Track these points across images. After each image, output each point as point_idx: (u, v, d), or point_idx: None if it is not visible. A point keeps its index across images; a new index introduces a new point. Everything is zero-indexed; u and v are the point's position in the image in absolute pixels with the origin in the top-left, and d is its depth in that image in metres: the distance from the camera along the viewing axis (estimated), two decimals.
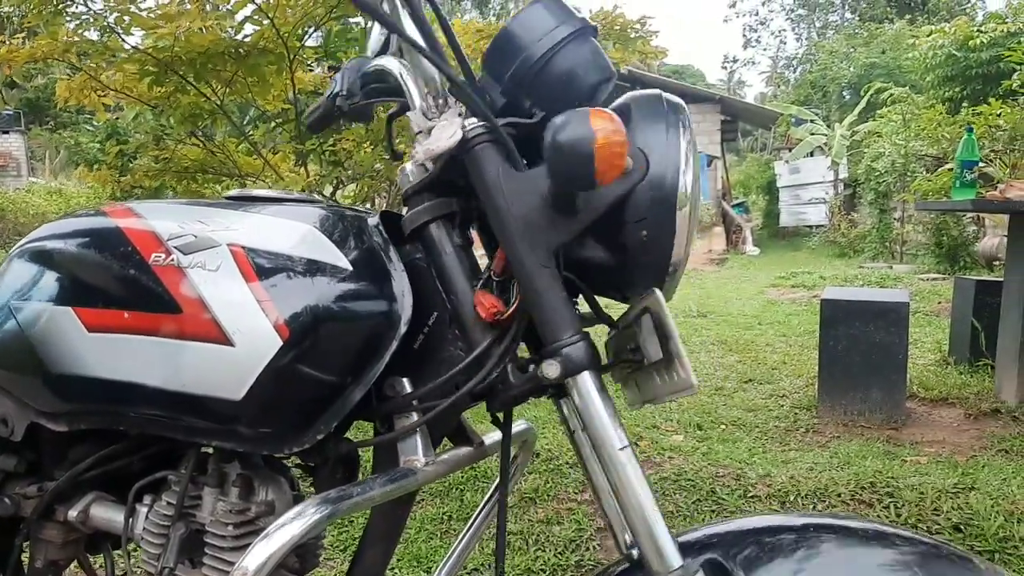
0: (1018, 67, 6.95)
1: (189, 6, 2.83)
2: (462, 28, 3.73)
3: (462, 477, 2.59)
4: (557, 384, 0.78)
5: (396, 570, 2.05)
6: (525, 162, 0.80)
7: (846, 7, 36.48)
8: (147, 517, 0.92)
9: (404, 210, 0.87)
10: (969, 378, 3.81)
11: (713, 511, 2.38)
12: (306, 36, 3.27)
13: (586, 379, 0.76)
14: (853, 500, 2.39)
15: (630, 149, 0.74)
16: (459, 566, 1.14)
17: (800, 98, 21.58)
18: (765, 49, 53.88)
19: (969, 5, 25.48)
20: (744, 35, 45.36)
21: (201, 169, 3.72)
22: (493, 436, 1.02)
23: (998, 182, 4.29)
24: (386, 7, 0.85)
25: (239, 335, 0.77)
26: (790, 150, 15.53)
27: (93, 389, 0.87)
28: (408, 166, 0.86)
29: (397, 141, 1.12)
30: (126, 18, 2.94)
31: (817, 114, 16.37)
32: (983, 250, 8.19)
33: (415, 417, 0.83)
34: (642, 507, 0.75)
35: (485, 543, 2.15)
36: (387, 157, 3.13)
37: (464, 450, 0.97)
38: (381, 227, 0.88)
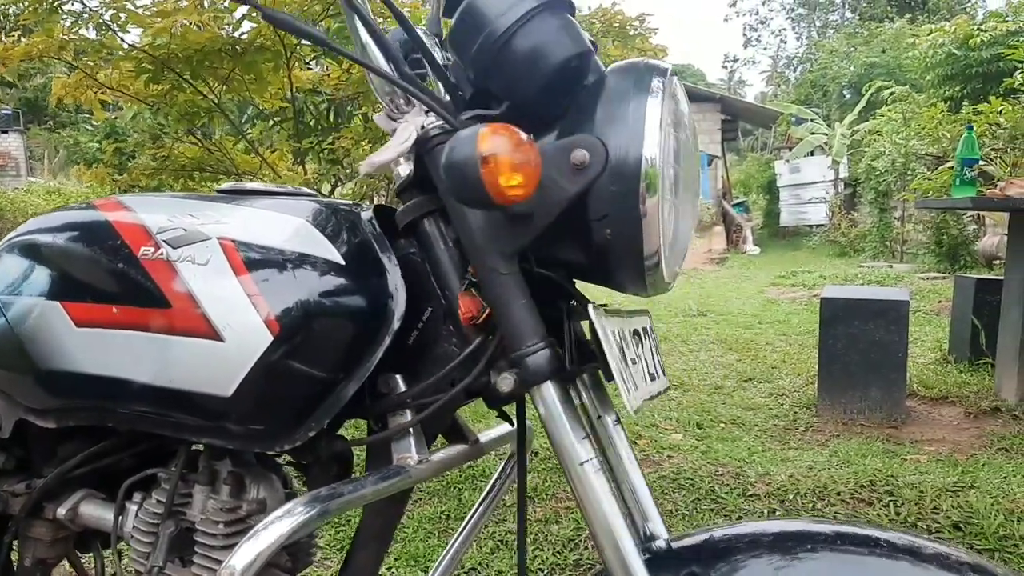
0: (1019, 65, 6.94)
1: (185, 3, 2.81)
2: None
3: (460, 476, 2.58)
4: (517, 396, 0.75)
5: (393, 569, 2.04)
6: None
7: (846, 6, 36.45)
8: (137, 515, 0.91)
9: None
10: (969, 376, 3.80)
11: (712, 510, 2.36)
12: None
13: (546, 390, 0.73)
14: (853, 499, 2.38)
15: (587, 141, 0.70)
16: (455, 565, 1.13)
17: (800, 97, 21.61)
18: (765, 48, 54.10)
19: (969, 4, 25.48)
20: (744, 34, 45.32)
21: (199, 167, 3.71)
22: (488, 434, 1.01)
23: (998, 180, 4.28)
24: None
25: (229, 330, 0.76)
26: (790, 149, 15.54)
27: (81, 385, 0.86)
28: (400, 160, 0.84)
29: None
30: (122, 15, 2.93)
31: (817, 113, 16.38)
32: (983, 249, 8.19)
33: (409, 414, 0.82)
34: (608, 524, 0.71)
35: (482, 542, 2.14)
36: None
37: (458, 448, 0.96)
38: (375, 221, 0.86)
